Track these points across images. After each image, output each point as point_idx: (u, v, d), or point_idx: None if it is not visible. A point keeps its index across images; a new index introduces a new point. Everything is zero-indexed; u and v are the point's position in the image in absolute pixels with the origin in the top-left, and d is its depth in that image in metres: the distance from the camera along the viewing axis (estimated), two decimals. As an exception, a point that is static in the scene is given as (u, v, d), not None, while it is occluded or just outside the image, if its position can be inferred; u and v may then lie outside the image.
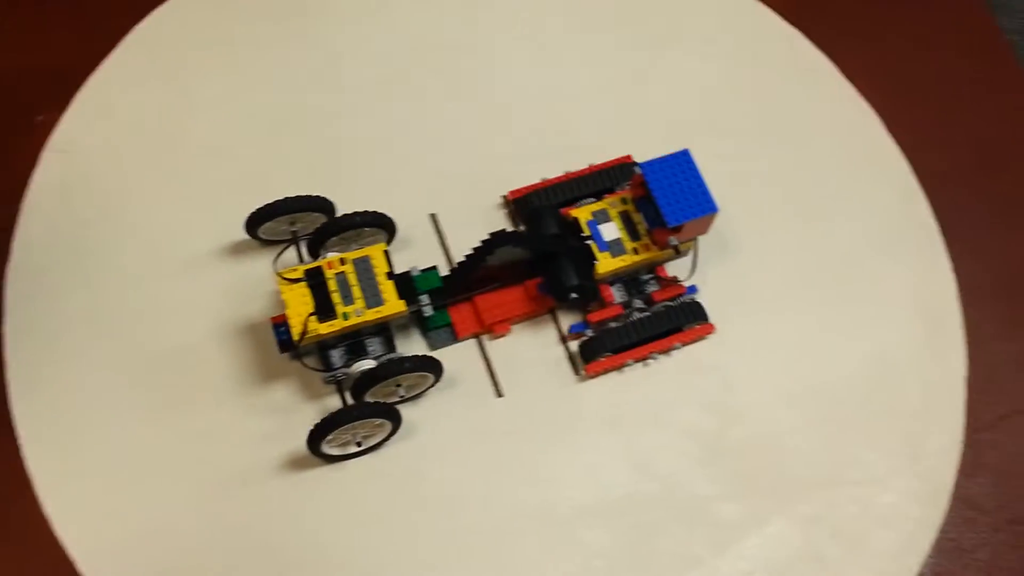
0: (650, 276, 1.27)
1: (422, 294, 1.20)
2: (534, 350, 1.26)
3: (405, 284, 1.20)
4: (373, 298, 1.15)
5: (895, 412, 1.25)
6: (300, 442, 1.15)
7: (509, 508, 1.18)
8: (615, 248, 1.21)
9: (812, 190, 1.38)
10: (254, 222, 1.23)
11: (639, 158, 1.36)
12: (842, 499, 1.20)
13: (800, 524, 1.19)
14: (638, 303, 1.25)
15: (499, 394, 1.23)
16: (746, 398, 1.25)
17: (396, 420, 1.17)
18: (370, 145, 1.38)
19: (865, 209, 1.37)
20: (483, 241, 1.18)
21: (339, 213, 1.24)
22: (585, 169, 1.33)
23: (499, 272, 1.22)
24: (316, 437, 1.12)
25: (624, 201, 1.23)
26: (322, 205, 1.24)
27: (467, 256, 1.20)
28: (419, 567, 1.15)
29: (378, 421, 1.15)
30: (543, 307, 1.25)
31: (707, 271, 1.30)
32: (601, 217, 1.22)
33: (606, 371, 1.24)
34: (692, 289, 1.27)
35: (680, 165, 1.18)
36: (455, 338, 1.24)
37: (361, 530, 1.17)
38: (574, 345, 1.26)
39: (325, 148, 1.38)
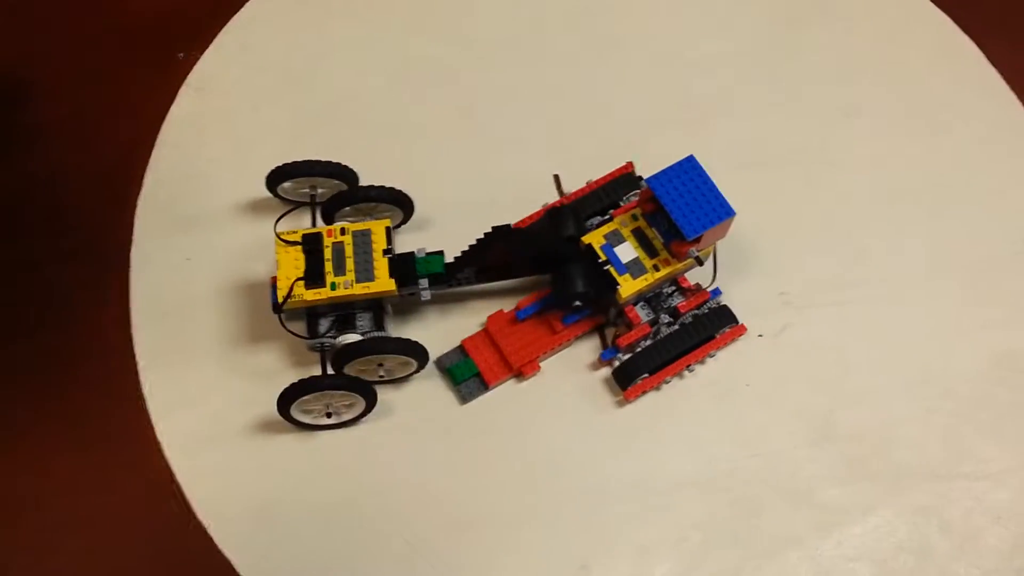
0: (672, 288, 1.21)
1: (422, 277, 1.17)
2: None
3: (405, 264, 1.16)
4: (364, 273, 1.13)
5: (1018, 411, 1.21)
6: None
7: (608, 474, 1.18)
8: (635, 269, 1.15)
9: (951, 177, 1.34)
10: (274, 179, 1.22)
11: (770, 131, 1.34)
12: (955, 492, 1.17)
13: (908, 514, 1.16)
14: (665, 318, 1.20)
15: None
16: (862, 382, 1.22)
17: (370, 398, 1.15)
18: (495, 98, 1.38)
19: (1006, 204, 1.32)
20: (485, 234, 1.14)
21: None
22: (584, 188, 1.27)
23: (509, 263, 1.18)
24: (285, 400, 1.11)
25: (635, 218, 1.17)
26: (343, 173, 1.23)
27: (466, 249, 1.16)
28: (514, 522, 1.16)
29: (351, 397, 1.13)
30: (571, 335, 1.21)
31: (832, 250, 1.28)
32: (614, 239, 1.16)
33: (645, 393, 1.20)
34: (716, 292, 1.22)
35: (688, 173, 1.12)
36: (486, 386, 1.19)
37: (460, 479, 1.17)
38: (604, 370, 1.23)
39: (450, 100, 1.38)
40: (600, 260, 1.14)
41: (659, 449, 1.19)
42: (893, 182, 1.34)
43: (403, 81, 1.39)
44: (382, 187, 1.20)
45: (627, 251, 1.15)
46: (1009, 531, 1.15)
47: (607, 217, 1.22)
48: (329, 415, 1.16)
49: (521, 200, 1.28)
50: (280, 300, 1.11)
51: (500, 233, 1.12)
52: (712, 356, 1.21)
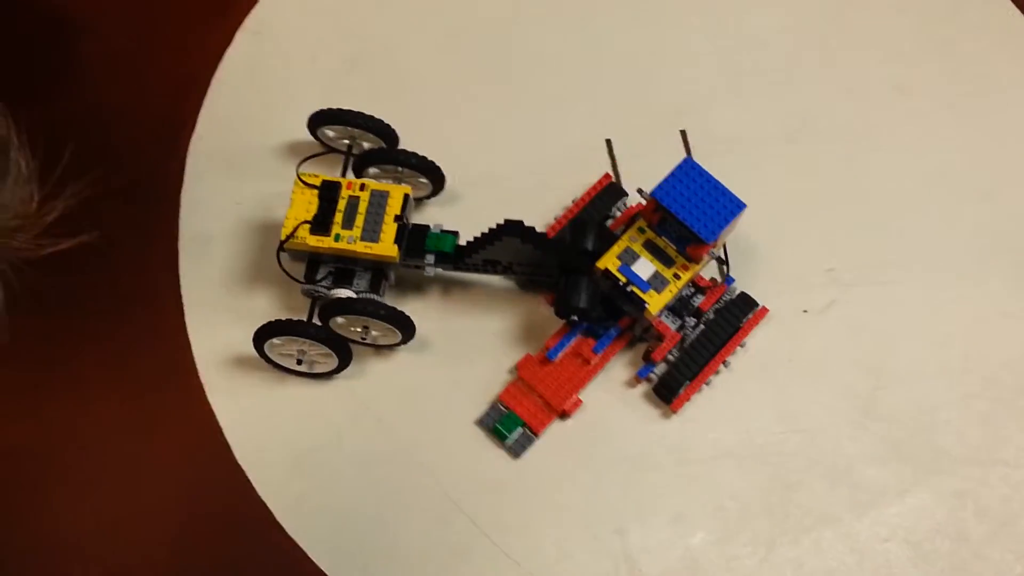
0: (692, 290, 1.20)
1: (430, 253, 1.16)
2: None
3: (415, 236, 1.16)
4: (370, 233, 1.12)
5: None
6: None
7: (648, 441, 1.18)
8: (657, 283, 1.12)
9: (1002, 159, 1.33)
10: (316, 121, 1.22)
11: (820, 106, 1.33)
12: (993, 478, 1.17)
13: (945, 498, 1.16)
14: (691, 321, 1.19)
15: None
16: (905, 363, 1.22)
17: (343, 356, 1.15)
18: (538, 61, 1.37)
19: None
20: (497, 225, 1.13)
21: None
22: (572, 207, 1.26)
23: (519, 261, 1.17)
24: (259, 336, 1.12)
25: (642, 231, 1.14)
26: (384, 131, 1.23)
27: (475, 238, 1.15)
28: (553, 485, 1.17)
29: (325, 350, 1.13)
30: (604, 362, 1.20)
31: (881, 229, 1.28)
32: (628, 258, 1.13)
33: (691, 400, 1.19)
34: (731, 281, 1.21)
35: (690, 176, 1.10)
36: (535, 435, 1.17)
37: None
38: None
39: (494, 59, 1.38)
40: (622, 283, 1.12)
41: (699, 419, 1.19)
42: (943, 162, 1.32)
43: (457, 42, 1.38)
44: (416, 155, 1.20)
45: (645, 267, 1.13)
46: (1048, 519, 1.16)
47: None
48: (300, 362, 1.17)
49: (572, 169, 1.29)
50: (283, 237, 1.12)
51: (511, 228, 1.11)
52: (743, 346, 1.20)
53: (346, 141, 1.25)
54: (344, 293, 1.13)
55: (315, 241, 1.12)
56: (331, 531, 1.15)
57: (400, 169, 1.21)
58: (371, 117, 1.22)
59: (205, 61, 1.35)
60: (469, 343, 1.22)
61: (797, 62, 1.38)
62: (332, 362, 1.16)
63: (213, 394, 1.20)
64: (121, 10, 1.39)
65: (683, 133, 1.33)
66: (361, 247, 1.12)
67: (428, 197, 1.26)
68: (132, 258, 1.25)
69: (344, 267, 1.16)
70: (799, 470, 1.17)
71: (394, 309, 1.12)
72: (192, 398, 1.19)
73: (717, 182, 1.10)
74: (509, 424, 1.16)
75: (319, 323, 1.13)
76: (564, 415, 1.18)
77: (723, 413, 1.20)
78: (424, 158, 1.20)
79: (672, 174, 1.10)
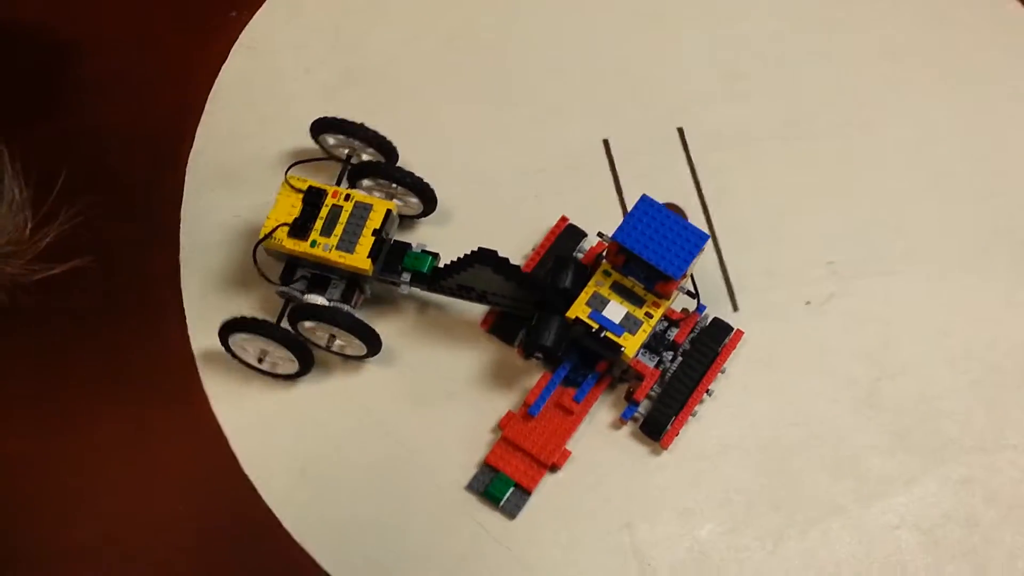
0: (665, 324, 1.18)
1: (407, 271, 1.16)
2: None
3: (394, 252, 1.16)
4: (347, 243, 1.13)
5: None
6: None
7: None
8: (629, 324, 1.12)
9: (1002, 151, 1.33)
10: (318, 127, 1.23)
11: (816, 102, 1.34)
12: (1000, 463, 1.17)
13: (953, 485, 1.16)
14: (668, 355, 1.18)
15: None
16: (908, 354, 1.22)
17: (304, 361, 1.15)
18: (533, 66, 1.38)
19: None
20: (470, 252, 1.12)
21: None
22: (534, 256, 1.25)
23: (492, 291, 1.16)
24: (225, 329, 1.12)
25: (607, 274, 1.13)
26: (384, 147, 1.24)
27: (451, 262, 1.14)
28: (563, 481, 1.17)
29: (285, 352, 1.13)
30: (587, 409, 1.18)
31: (881, 222, 1.28)
32: (598, 303, 1.12)
33: (679, 436, 1.18)
34: (702, 309, 1.20)
35: (649, 213, 1.08)
36: (528, 493, 1.15)
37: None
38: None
39: (489, 67, 1.38)
40: (594, 330, 1.11)
41: (703, 414, 1.19)
42: (943, 154, 1.33)
43: (451, 50, 1.39)
44: (411, 174, 1.20)
45: (615, 310, 1.12)
46: (1056, 503, 1.16)
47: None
48: (261, 360, 1.17)
49: (570, 175, 1.31)
50: (260, 236, 1.13)
51: (484, 257, 1.10)
52: (724, 372, 1.19)
53: (345, 151, 1.26)
54: (316, 299, 1.14)
55: (291, 244, 1.13)
56: (339, 538, 1.15)
57: (394, 186, 1.22)
58: (373, 131, 1.22)
59: (202, 77, 1.37)
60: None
61: (793, 58, 1.39)
62: (293, 366, 1.16)
63: (218, 404, 1.20)
64: (116, 30, 1.40)
65: (680, 131, 1.34)
66: (335, 256, 1.13)
67: (420, 216, 1.26)
68: (134, 274, 1.26)
69: (321, 274, 1.16)
70: (805, 462, 1.17)
71: (360, 322, 1.12)
72: (197, 409, 1.20)
73: (677, 217, 1.09)
74: (500, 487, 1.14)
75: (288, 325, 1.14)
76: (554, 468, 1.16)
77: (727, 407, 1.20)
78: (419, 178, 1.20)
79: (631, 214, 1.09)
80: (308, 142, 1.27)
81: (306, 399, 1.20)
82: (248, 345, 1.15)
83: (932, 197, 1.31)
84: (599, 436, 1.18)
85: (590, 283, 1.13)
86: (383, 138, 1.23)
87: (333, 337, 1.16)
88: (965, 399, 1.20)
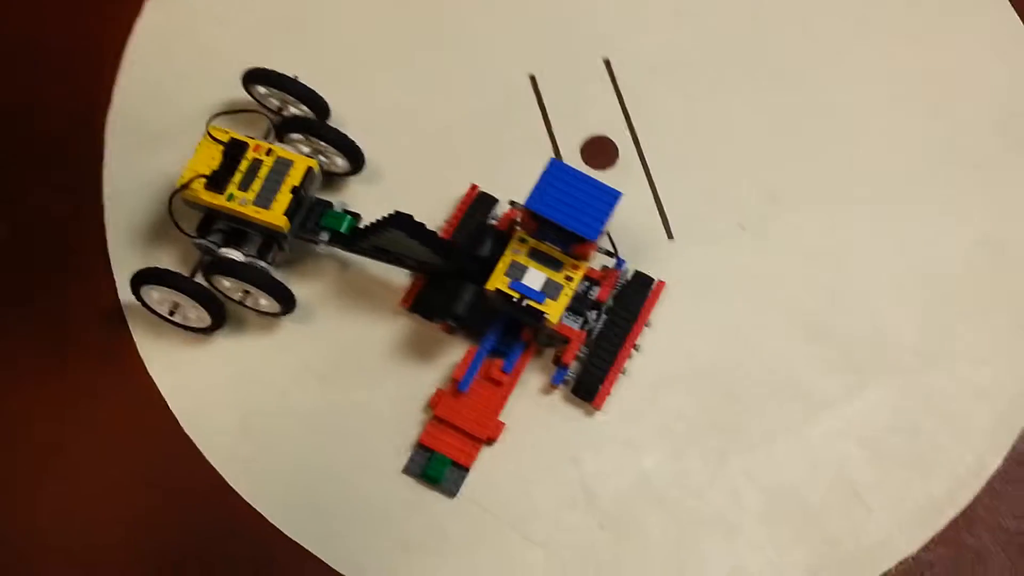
0: (586, 285, 1.17)
1: (325, 230, 1.15)
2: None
3: (314, 210, 1.15)
4: (264, 199, 1.11)
5: (997, 295, 1.22)
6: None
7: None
8: (550, 290, 1.09)
9: (942, 82, 1.32)
10: (249, 78, 1.21)
11: (756, 31, 1.33)
12: (940, 375, 1.18)
13: (894, 396, 1.17)
14: (591, 315, 1.16)
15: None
16: (849, 276, 1.23)
17: (216, 316, 1.14)
18: (463, 5, 1.36)
19: (995, 104, 1.31)
20: (386, 216, 1.09)
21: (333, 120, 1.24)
22: (448, 226, 1.23)
23: (407, 255, 1.14)
24: (136, 279, 1.11)
25: (522, 240, 1.11)
26: (316, 103, 1.22)
27: (369, 224, 1.13)
28: (510, 428, 1.16)
29: (195, 307, 1.12)
30: (516, 380, 1.17)
31: (822, 152, 1.27)
32: (516, 272, 1.10)
33: (611, 395, 1.16)
34: (621, 263, 1.19)
35: (559, 177, 1.07)
36: (465, 470, 1.14)
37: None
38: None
39: (416, 10, 1.36)
40: (516, 299, 1.09)
41: (643, 347, 1.18)
42: (886, 78, 1.32)
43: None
44: (336, 131, 1.18)
45: (535, 277, 1.10)
46: (992, 408, 1.17)
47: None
48: (172, 313, 1.16)
49: (500, 117, 1.29)
50: (177, 186, 1.11)
51: (399, 222, 1.08)
52: (649, 324, 1.18)
53: (276, 103, 1.23)
54: (231, 254, 1.12)
55: (208, 196, 1.11)
56: (284, 490, 1.14)
57: (323, 143, 1.20)
58: (303, 85, 1.20)
59: (116, 33, 1.33)
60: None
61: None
62: (205, 319, 1.15)
63: (153, 366, 1.18)
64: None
65: (607, 63, 1.32)
66: (251, 211, 1.11)
67: (348, 174, 1.24)
68: (58, 238, 1.24)
69: (239, 228, 1.14)
70: (747, 387, 1.18)
71: (273, 280, 1.11)
72: (133, 371, 1.18)
73: (587, 177, 1.07)
74: (437, 466, 1.13)
75: (203, 279, 1.13)
76: (490, 441, 1.15)
77: (664, 338, 1.19)
78: (345, 137, 1.18)
79: (541, 180, 1.07)
80: (231, 94, 1.25)
81: (240, 354, 1.19)
82: (160, 297, 1.13)
83: (878, 124, 1.30)
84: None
85: (506, 251, 1.11)
86: (314, 93, 1.21)
87: (247, 292, 1.14)
88: (903, 316, 1.21)
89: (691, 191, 1.26)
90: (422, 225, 1.09)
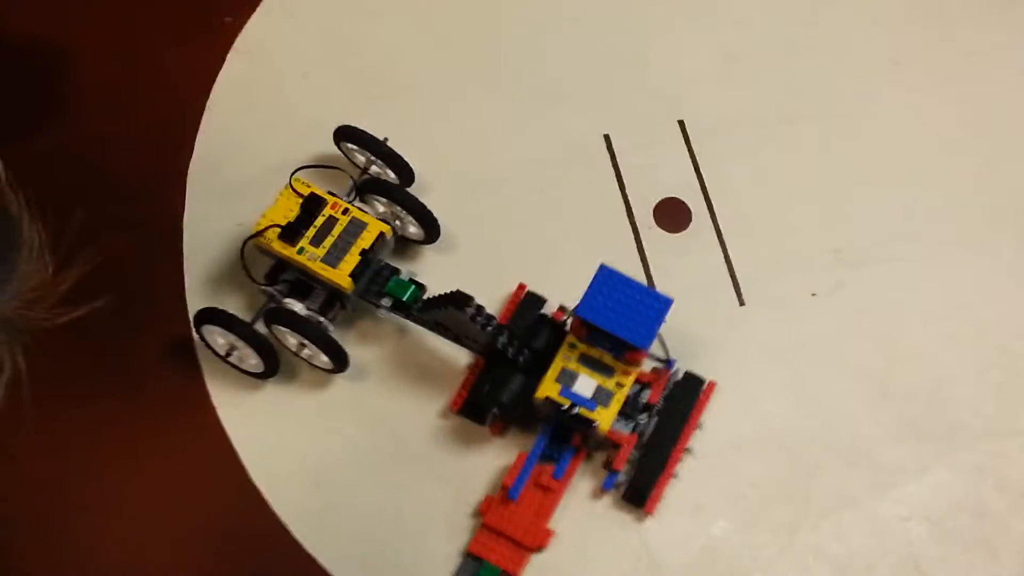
0: (636, 388, 1.14)
1: (386, 296, 1.16)
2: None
3: (380, 274, 1.16)
4: (333, 256, 1.13)
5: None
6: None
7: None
8: (602, 397, 1.09)
9: (1001, 128, 1.33)
10: (340, 135, 1.23)
11: (813, 83, 1.33)
12: (1012, 450, 1.16)
13: (964, 473, 1.16)
14: (642, 419, 1.15)
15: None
16: (918, 340, 1.22)
17: (269, 363, 1.15)
18: (532, 62, 1.38)
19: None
20: (446, 293, 1.12)
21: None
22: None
23: (467, 336, 1.14)
24: (198, 318, 1.13)
25: (572, 347, 1.11)
26: (403, 169, 1.24)
27: (430, 297, 1.15)
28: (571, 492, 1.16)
29: (251, 352, 1.13)
30: (565, 485, 1.15)
31: (884, 205, 1.28)
32: (567, 379, 1.09)
33: (662, 500, 1.14)
34: (671, 364, 1.17)
35: (609, 283, 1.06)
36: None
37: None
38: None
39: (487, 63, 1.38)
40: (566, 408, 1.09)
41: (713, 410, 1.18)
42: (942, 132, 1.32)
43: (449, 47, 1.39)
44: (417, 201, 1.19)
45: (586, 384, 1.10)
46: (1068, 488, 1.15)
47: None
48: (228, 355, 1.17)
49: (573, 173, 1.30)
50: (256, 230, 1.14)
51: (458, 301, 1.09)
52: (700, 427, 1.17)
53: (363, 159, 1.25)
54: (293, 305, 1.14)
55: (279, 246, 1.13)
56: (351, 546, 1.14)
57: (400, 209, 1.21)
58: (390, 150, 1.22)
59: (199, 85, 1.36)
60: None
61: (788, 41, 1.38)
62: (259, 365, 1.16)
63: (226, 415, 1.20)
64: (105, 37, 1.39)
65: (681, 124, 1.33)
66: (319, 267, 1.13)
67: (422, 243, 1.25)
68: (139, 287, 1.24)
69: (305, 281, 1.16)
70: (817, 454, 1.17)
71: (328, 336, 1.12)
72: (205, 421, 1.19)
73: (638, 284, 1.07)
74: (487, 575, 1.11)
75: (264, 326, 1.14)
76: (540, 549, 1.13)
77: (737, 402, 1.19)
78: (422, 206, 1.20)
79: (591, 286, 1.07)
80: (309, 147, 1.27)
81: (313, 406, 1.20)
82: (219, 337, 1.15)
83: (935, 177, 1.30)
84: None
85: (557, 358, 1.10)
86: (400, 158, 1.23)
87: (303, 345, 1.15)
88: (976, 384, 1.20)
89: (761, 255, 1.26)
90: (481, 308, 1.10)
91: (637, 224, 1.28)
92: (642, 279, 1.25)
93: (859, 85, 1.35)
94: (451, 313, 1.10)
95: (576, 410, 1.09)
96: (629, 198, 1.30)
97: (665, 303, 1.07)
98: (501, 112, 1.34)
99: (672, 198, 1.30)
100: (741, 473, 1.16)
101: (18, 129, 1.32)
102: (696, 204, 1.29)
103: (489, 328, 1.10)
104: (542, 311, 1.20)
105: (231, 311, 1.14)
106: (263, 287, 1.16)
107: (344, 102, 1.34)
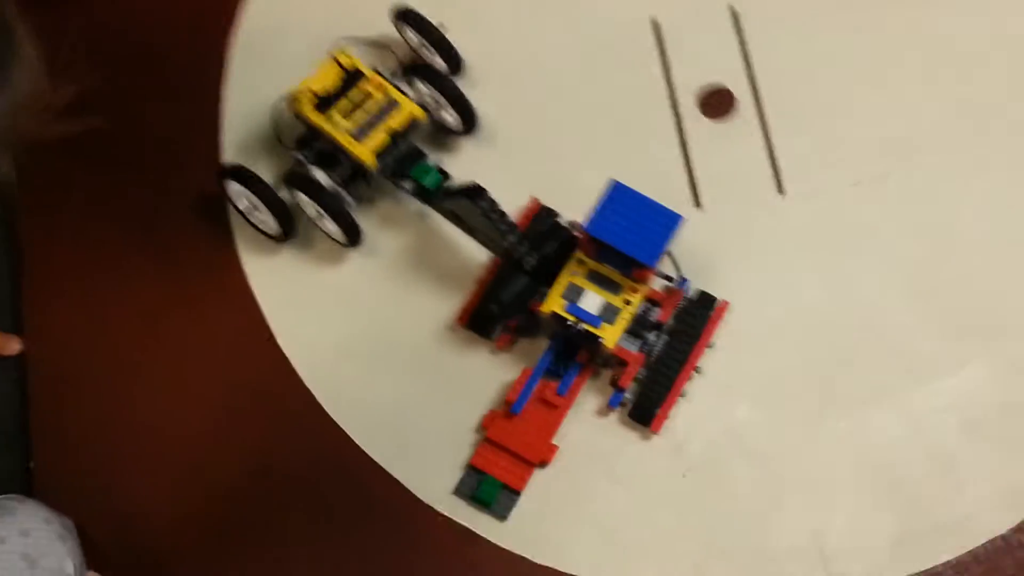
0: (645, 305, 1.12)
1: (408, 179, 1.14)
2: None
3: (407, 157, 1.15)
4: (361, 131, 1.12)
5: None
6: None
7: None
8: (608, 313, 1.07)
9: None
10: (398, 15, 1.22)
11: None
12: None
13: (1006, 369, 1.12)
14: (651, 337, 1.12)
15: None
16: (967, 236, 1.18)
17: (285, 227, 1.15)
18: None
19: None
20: (464, 184, 1.09)
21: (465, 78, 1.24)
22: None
23: (479, 229, 1.12)
24: (221, 172, 1.15)
25: (580, 262, 1.09)
26: (452, 58, 1.23)
27: (450, 186, 1.13)
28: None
29: (264, 209, 1.14)
30: (571, 402, 1.13)
31: (940, 99, 1.23)
32: (573, 294, 1.08)
33: (670, 418, 1.11)
34: (684, 283, 1.14)
35: (619, 200, 1.05)
36: (517, 493, 1.10)
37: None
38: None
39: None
40: (571, 323, 1.07)
41: (747, 295, 1.16)
42: (1007, 32, 1.27)
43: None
44: (457, 90, 1.18)
45: (592, 300, 1.08)
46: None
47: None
48: (249, 214, 1.18)
49: (618, 61, 1.27)
50: (290, 91, 1.14)
51: (474, 193, 1.07)
52: (711, 346, 1.14)
53: (416, 42, 1.24)
54: (317, 173, 1.13)
55: (309, 111, 1.13)
56: (374, 416, 1.15)
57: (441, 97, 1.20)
58: (442, 37, 1.21)
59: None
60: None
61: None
62: (269, 224, 1.16)
63: (255, 280, 1.20)
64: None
65: (732, 10, 1.29)
66: (345, 139, 1.12)
67: (460, 134, 1.23)
68: (174, 153, 1.26)
69: (333, 152, 1.15)
70: (851, 344, 1.14)
71: (342, 208, 1.12)
72: (234, 283, 1.20)
73: (648, 200, 1.05)
74: (488, 489, 1.09)
75: (287, 189, 1.15)
76: (543, 464, 1.11)
77: (771, 289, 1.17)
78: (462, 96, 1.18)
79: (601, 203, 1.05)
80: (359, 19, 1.26)
81: (344, 278, 1.20)
82: (242, 196, 1.16)
83: (996, 76, 1.25)
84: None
85: (563, 272, 1.09)
86: (450, 45, 1.22)
87: (320, 214, 1.15)
88: (1020, 280, 1.16)
89: (805, 143, 1.23)
90: (495, 202, 1.07)
91: (680, 110, 1.25)
92: (681, 165, 1.23)
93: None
94: (464, 204, 1.09)
95: (581, 326, 1.07)
96: (673, 84, 1.27)
97: (674, 219, 1.05)
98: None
99: (717, 84, 1.26)
100: (771, 359, 1.14)
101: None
102: (741, 91, 1.26)
103: (502, 226, 1.08)
104: (557, 219, 1.18)
105: (260, 174, 1.14)
106: (291, 151, 1.16)
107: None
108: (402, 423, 1.14)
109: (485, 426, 1.12)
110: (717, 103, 1.26)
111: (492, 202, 1.07)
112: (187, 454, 1.14)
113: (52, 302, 1.20)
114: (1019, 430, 1.10)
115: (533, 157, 1.24)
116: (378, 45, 1.25)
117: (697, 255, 1.15)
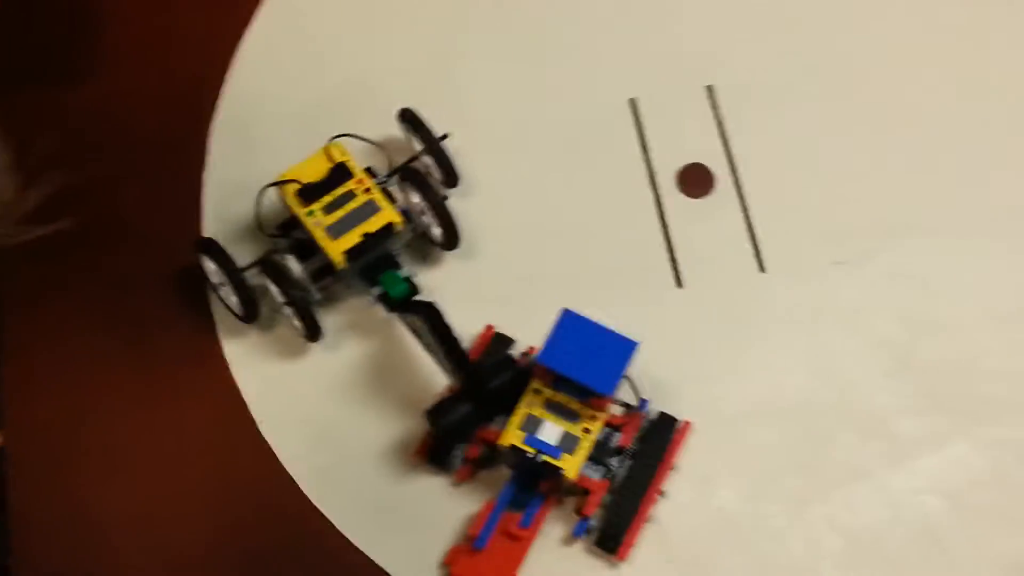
0: (606, 432, 1.10)
1: (376, 285, 1.14)
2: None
3: (378, 262, 1.15)
4: (336, 229, 1.12)
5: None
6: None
7: (676, 397, 1.15)
8: (568, 443, 1.05)
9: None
10: (403, 116, 1.23)
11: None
12: (1034, 426, 1.13)
13: (987, 447, 1.12)
14: (614, 463, 1.10)
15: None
16: (946, 313, 1.18)
17: (247, 309, 1.16)
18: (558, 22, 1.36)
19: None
20: (422, 300, 1.10)
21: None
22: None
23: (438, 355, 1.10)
24: (198, 244, 1.16)
25: (537, 392, 1.07)
26: (449, 171, 1.22)
27: (415, 302, 1.12)
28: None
29: (229, 290, 1.15)
30: (534, 534, 1.10)
31: (919, 176, 1.24)
32: (531, 425, 1.06)
33: (635, 546, 1.09)
34: (644, 405, 1.12)
35: (572, 328, 1.03)
36: None
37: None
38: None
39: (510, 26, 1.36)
40: (531, 455, 1.05)
41: (727, 376, 1.16)
42: (983, 112, 1.28)
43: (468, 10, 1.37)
44: (444, 208, 1.17)
45: (551, 431, 1.06)
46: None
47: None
48: (216, 289, 1.18)
49: (599, 141, 1.28)
50: (277, 180, 1.15)
51: (431, 316, 1.06)
52: (675, 468, 1.12)
53: (417, 146, 1.24)
54: (290, 262, 1.14)
55: (291, 201, 1.14)
56: (355, 501, 1.14)
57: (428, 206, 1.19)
58: (441, 149, 1.21)
59: (228, 40, 1.35)
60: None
61: (827, 10, 1.35)
62: (238, 307, 1.17)
63: (237, 369, 1.20)
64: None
65: (709, 88, 1.30)
66: (319, 235, 1.13)
67: (442, 248, 1.22)
68: (155, 238, 1.26)
69: (311, 244, 1.15)
70: (831, 424, 1.14)
71: (304, 302, 1.13)
72: (216, 373, 1.19)
73: (602, 328, 1.03)
74: None
75: (261, 273, 1.15)
76: None
77: (751, 369, 1.17)
78: (447, 212, 1.17)
79: (553, 332, 1.03)
80: (341, 112, 1.27)
81: (325, 364, 1.19)
82: (214, 272, 1.17)
83: (972, 155, 1.26)
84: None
85: (521, 403, 1.07)
86: (447, 158, 1.22)
87: (285, 303, 1.15)
88: (1005, 359, 1.16)
89: (784, 222, 1.24)
90: (448, 328, 1.06)
91: (659, 189, 1.26)
92: (661, 244, 1.23)
93: (895, 60, 1.31)
94: (413, 322, 1.09)
95: (541, 458, 1.06)
96: (652, 163, 1.28)
97: (630, 347, 1.03)
98: (525, 78, 1.33)
99: (696, 163, 1.27)
100: (752, 442, 1.14)
101: (47, 79, 1.33)
102: (720, 170, 1.27)
103: (449, 352, 1.06)
104: (509, 351, 1.16)
105: (240, 256, 1.15)
106: (270, 234, 1.17)
107: (375, 62, 1.34)
108: (369, 544, 1.13)
109: (447, 563, 1.10)
110: (697, 181, 1.27)
111: (445, 326, 1.06)
112: (171, 546, 1.13)
113: (32, 396, 1.19)
114: (1003, 503, 1.10)
115: (513, 274, 1.23)
116: (375, 144, 1.25)
117: (672, 341, 1.16)
